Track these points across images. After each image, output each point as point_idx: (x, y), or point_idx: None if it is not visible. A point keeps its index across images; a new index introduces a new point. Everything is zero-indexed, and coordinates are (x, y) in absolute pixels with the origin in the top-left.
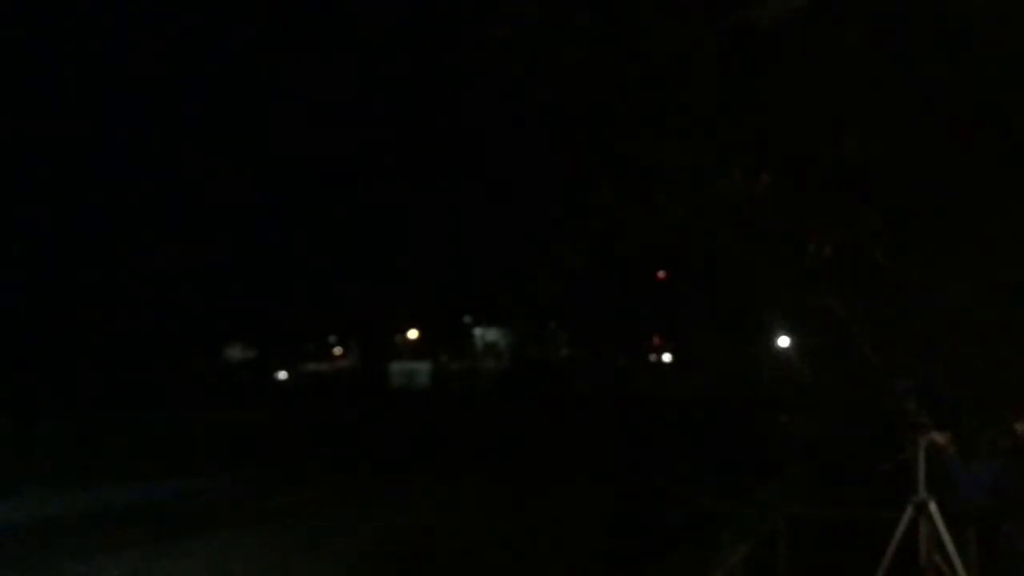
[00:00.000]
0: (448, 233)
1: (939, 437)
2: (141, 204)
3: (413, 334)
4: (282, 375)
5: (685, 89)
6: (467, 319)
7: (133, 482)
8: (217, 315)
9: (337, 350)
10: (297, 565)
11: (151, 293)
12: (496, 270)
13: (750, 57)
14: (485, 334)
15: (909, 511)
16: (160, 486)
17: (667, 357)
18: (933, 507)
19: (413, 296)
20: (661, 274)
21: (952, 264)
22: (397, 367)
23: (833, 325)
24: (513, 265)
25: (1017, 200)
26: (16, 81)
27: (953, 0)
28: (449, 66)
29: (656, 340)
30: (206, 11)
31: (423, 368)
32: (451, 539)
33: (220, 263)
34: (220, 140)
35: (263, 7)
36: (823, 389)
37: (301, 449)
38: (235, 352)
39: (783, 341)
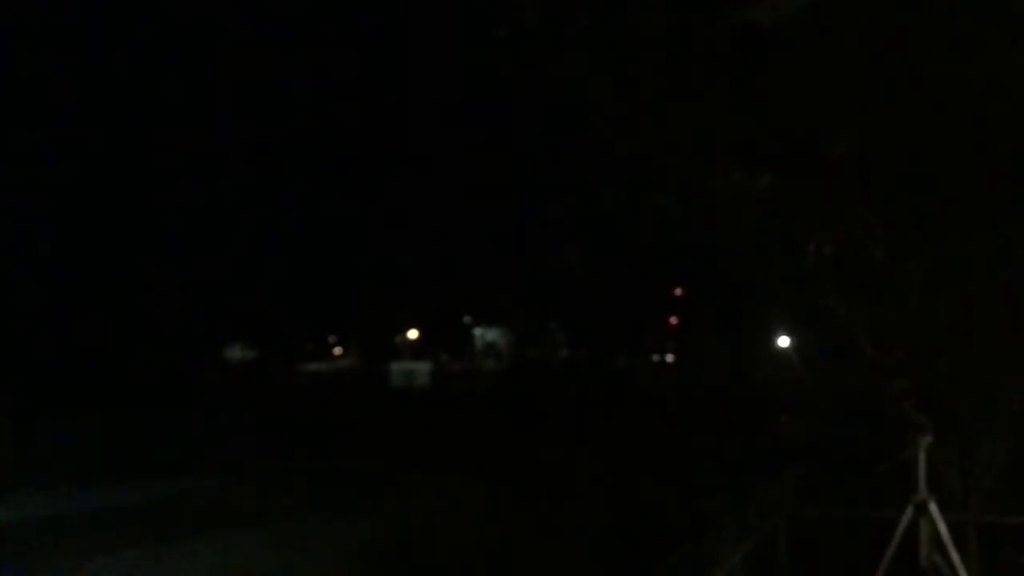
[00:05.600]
0: (449, 233)
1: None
2: (142, 206)
3: (413, 334)
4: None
5: (685, 89)
6: (467, 319)
7: (133, 482)
8: (217, 315)
9: (337, 350)
10: (298, 565)
11: (151, 294)
12: (496, 270)
13: (750, 57)
14: (485, 334)
15: (909, 511)
16: (161, 486)
17: (669, 357)
18: (933, 507)
19: (413, 296)
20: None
21: (952, 264)
22: (397, 367)
23: (833, 325)
24: (513, 265)
25: (1017, 200)
26: (24, 85)
27: (953, 0)
28: (449, 67)
29: (656, 341)
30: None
31: (423, 368)
32: (450, 539)
33: (220, 264)
34: (222, 140)
35: (259, 7)
36: (823, 389)
37: (301, 449)
38: (235, 352)
39: (783, 341)
